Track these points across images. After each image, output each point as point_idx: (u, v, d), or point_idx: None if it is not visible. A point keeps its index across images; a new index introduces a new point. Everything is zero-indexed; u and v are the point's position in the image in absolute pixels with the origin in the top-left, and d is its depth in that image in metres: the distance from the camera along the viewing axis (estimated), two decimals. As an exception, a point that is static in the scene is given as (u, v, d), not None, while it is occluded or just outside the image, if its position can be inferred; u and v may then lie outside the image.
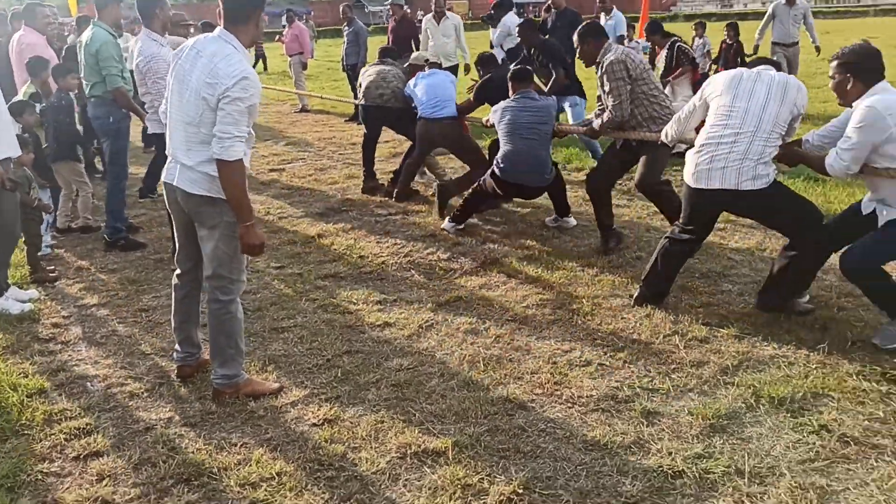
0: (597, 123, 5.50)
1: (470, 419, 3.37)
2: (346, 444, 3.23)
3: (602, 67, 5.25)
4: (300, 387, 3.73)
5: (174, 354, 3.85)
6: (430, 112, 6.91)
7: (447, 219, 6.31)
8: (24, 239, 5.35)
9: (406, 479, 2.98)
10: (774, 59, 9.45)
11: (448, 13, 10.37)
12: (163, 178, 3.55)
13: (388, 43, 10.65)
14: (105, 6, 5.80)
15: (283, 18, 14.53)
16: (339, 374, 3.84)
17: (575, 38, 5.51)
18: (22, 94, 6.24)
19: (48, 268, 5.41)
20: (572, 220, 6.21)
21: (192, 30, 7.49)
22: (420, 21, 11.90)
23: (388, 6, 13.13)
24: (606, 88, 5.26)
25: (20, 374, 3.90)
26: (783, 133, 4.13)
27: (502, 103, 6.07)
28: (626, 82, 5.16)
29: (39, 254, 5.46)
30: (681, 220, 4.46)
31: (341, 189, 7.79)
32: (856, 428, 3.17)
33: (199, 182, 3.35)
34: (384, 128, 7.75)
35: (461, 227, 6.21)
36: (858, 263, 3.84)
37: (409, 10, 13.13)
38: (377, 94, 7.38)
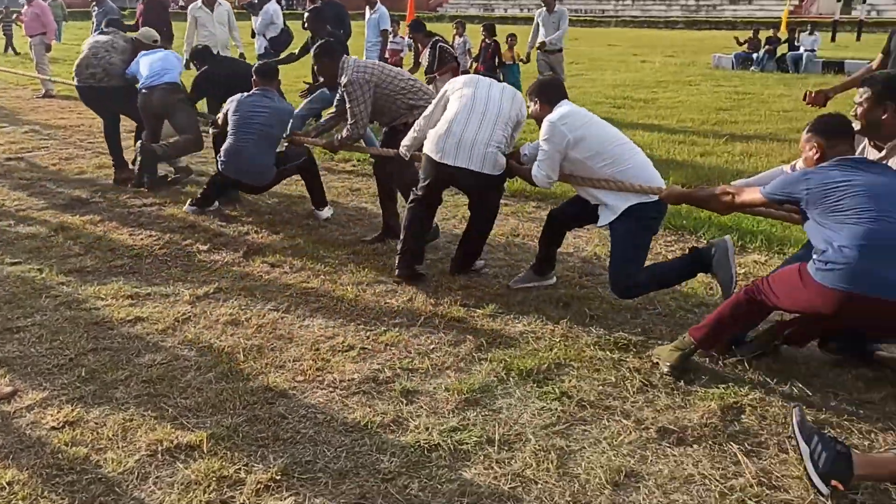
0: (337, 138, 5.66)
1: (227, 411, 3.27)
2: (90, 445, 3.00)
3: (341, 87, 5.34)
4: (38, 389, 3.42)
5: None
6: (150, 81, 6.66)
7: (189, 201, 6.19)
8: None
9: (157, 477, 2.83)
10: (539, 64, 10.67)
11: (220, 0, 9.79)
12: None
13: (136, 25, 10.04)
14: None
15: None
16: (84, 374, 3.56)
17: (312, 57, 5.60)
18: None
19: None
20: (325, 213, 6.15)
21: None
22: (181, 7, 11.30)
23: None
24: (347, 107, 5.34)
25: None
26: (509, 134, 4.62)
27: (239, 95, 5.96)
28: (363, 101, 5.26)
29: None
30: (420, 188, 4.79)
31: (90, 180, 7.23)
32: (591, 393, 3.47)
33: None
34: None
35: (202, 210, 6.10)
36: (623, 284, 4.14)
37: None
38: (87, 73, 6.89)
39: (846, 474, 2.69)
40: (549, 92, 4.37)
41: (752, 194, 3.52)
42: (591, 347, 3.90)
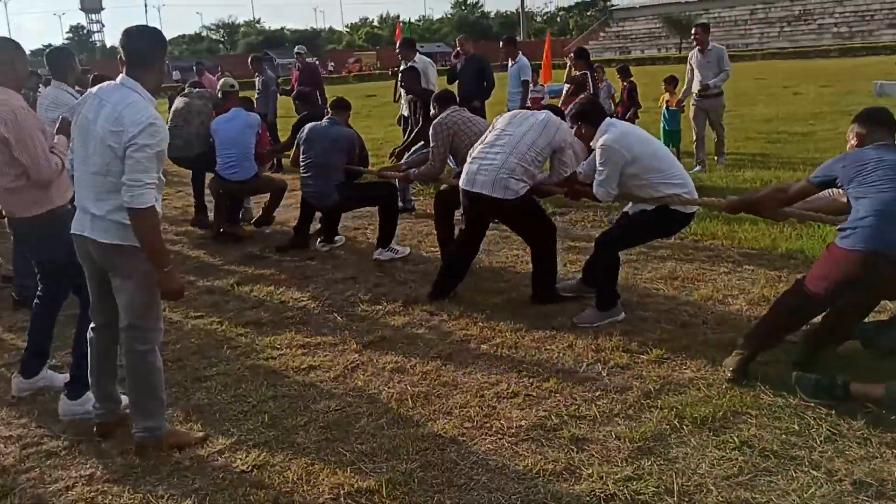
0: (413, 171, 6.61)
1: (402, 456, 3.36)
2: (278, 489, 3.16)
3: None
4: (226, 435, 3.64)
5: (93, 410, 3.70)
6: (224, 173, 7.46)
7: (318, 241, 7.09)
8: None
9: (341, 520, 2.94)
10: (693, 112, 9.82)
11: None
12: (73, 230, 3.43)
13: (292, 89, 10.82)
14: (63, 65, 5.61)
15: (194, 70, 14.40)
16: (266, 420, 3.77)
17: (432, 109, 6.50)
18: None
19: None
20: (383, 255, 6.57)
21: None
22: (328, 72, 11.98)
23: (295, 56, 13.23)
24: (430, 146, 6.11)
25: (-76, 440, 3.68)
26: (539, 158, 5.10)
27: (309, 125, 6.91)
28: (442, 143, 5.94)
29: None
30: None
31: (260, 238, 7.71)
32: (774, 442, 3.30)
33: (111, 231, 3.27)
34: None
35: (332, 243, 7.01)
36: (601, 246, 4.85)
37: (315, 61, 13.22)
38: (172, 146, 7.44)
39: None
40: (590, 114, 4.82)
41: (800, 184, 3.88)
42: (769, 394, 3.72)
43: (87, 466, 3.41)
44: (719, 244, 6.43)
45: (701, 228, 6.69)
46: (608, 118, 4.84)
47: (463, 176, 5.20)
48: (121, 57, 3.33)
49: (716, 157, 10.04)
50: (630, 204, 4.96)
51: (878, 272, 3.45)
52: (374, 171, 7.30)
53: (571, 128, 5.02)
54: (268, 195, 7.90)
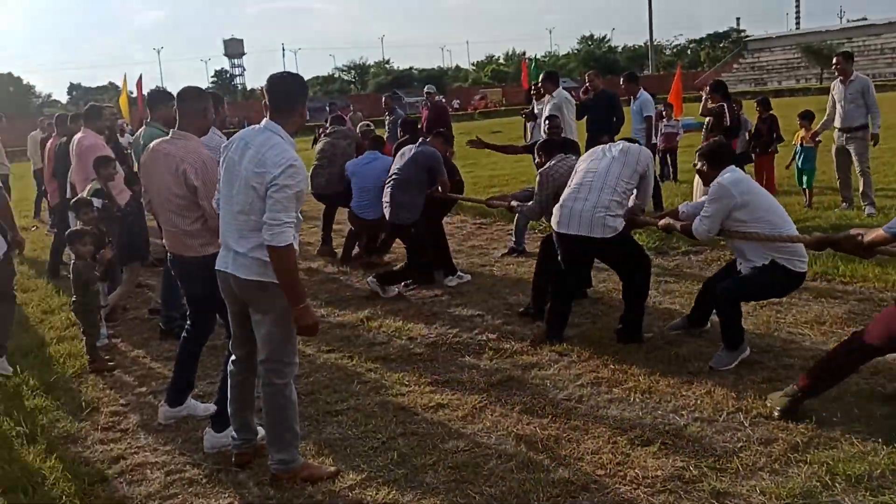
0: (517, 204, 6.67)
1: (532, 501, 3.28)
2: (407, 529, 3.15)
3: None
4: (357, 470, 3.68)
5: (231, 441, 3.83)
6: (361, 213, 7.80)
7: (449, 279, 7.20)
8: (82, 329, 5.48)
9: (471, 566, 2.89)
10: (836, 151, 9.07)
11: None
12: (217, 266, 3.61)
13: (422, 128, 11.06)
14: (158, 106, 6.06)
15: (327, 110, 14.97)
16: (396, 457, 3.78)
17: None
18: (87, 191, 6.45)
19: (105, 357, 5.49)
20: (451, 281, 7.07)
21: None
22: (454, 109, 12.20)
23: (424, 95, 13.52)
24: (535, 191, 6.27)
25: (81, 462, 3.91)
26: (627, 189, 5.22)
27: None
28: (546, 191, 6.00)
29: (98, 344, 5.56)
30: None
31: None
32: (941, 506, 3.01)
33: (252, 268, 3.40)
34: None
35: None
36: (722, 294, 4.70)
37: (442, 99, 13.50)
38: (314, 182, 8.38)
39: None
40: (718, 157, 4.83)
41: (875, 232, 3.71)
42: (933, 452, 3.41)
43: (226, 495, 3.53)
44: (870, 287, 6.01)
45: (850, 270, 6.28)
46: (733, 165, 4.80)
47: (557, 220, 5.28)
48: (265, 102, 3.49)
49: (863, 204, 8.95)
50: (740, 262, 4.84)
51: None
52: (482, 201, 7.75)
53: (694, 165, 5.05)
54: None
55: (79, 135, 7.22)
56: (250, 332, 3.58)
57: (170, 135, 4.23)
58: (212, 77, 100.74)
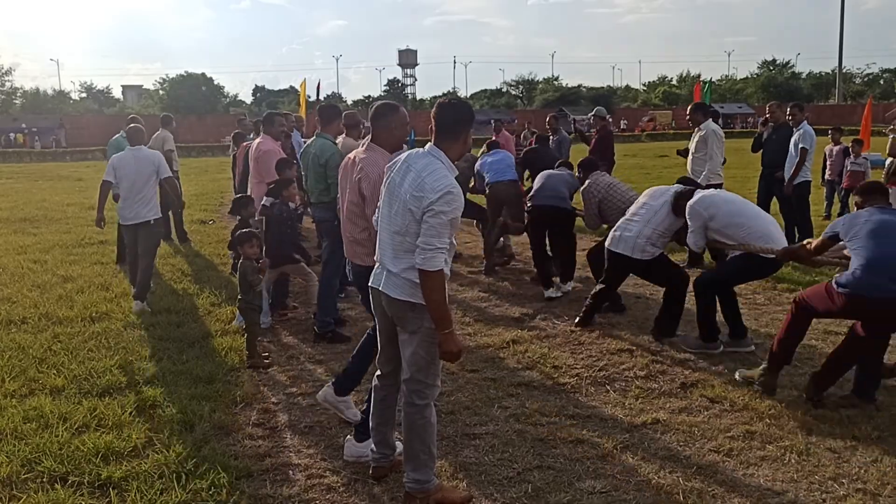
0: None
1: (667, 558, 3.14)
2: (535, 568, 3.10)
3: None
4: (489, 498, 3.67)
5: (370, 454, 3.93)
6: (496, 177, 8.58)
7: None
8: (244, 325, 5.81)
9: None
10: None
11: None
12: (371, 283, 3.71)
13: (589, 152, 10.96)
14: (331, 120, 6.37)
15: (492, 125, 15.10)
16: (530, 490, 3.74)
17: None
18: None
19: (263, 354, 5.79)
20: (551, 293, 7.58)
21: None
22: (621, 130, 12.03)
23: (591, 117, 13.32)
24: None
25: (231, 455, 4.14)
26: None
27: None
28: (592, 205, 7.30)
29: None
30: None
31: (536, 296, 7.80)
32: None
33: (403, 288, 3.47)
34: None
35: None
36: (703, 282, 5.90)
37: (609, 118, 13.29)
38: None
39: None
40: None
41: (819, 240, 5.08)
42: None
43: (361, 507, 3.62)
44: None
45: None
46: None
47: (609, 239, 6.34)
48: (431, 126, 3.57)
49: None
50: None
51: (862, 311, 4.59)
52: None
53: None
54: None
55: (258, 140, 7.72)
56: (397, 350, 3.66)
57: (363, 146, 4.49)
58: (384, 85, 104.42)
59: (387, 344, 3.76)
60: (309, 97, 18.96)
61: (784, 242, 5.66)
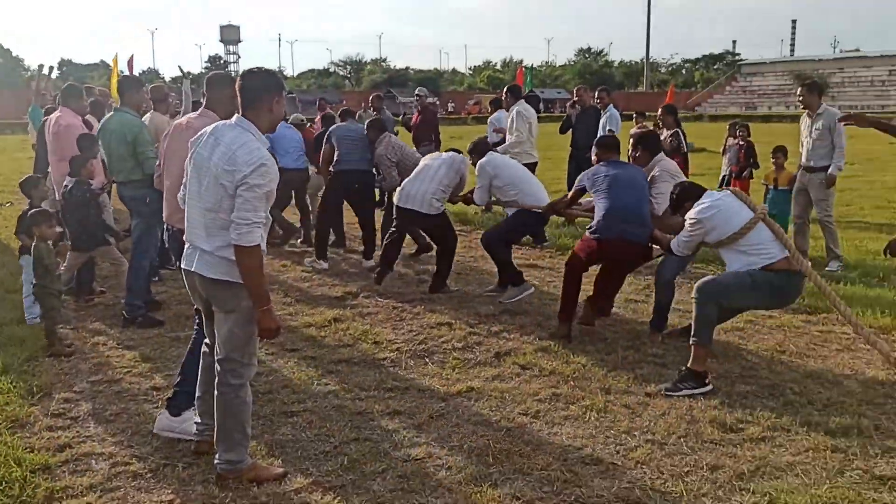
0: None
1: (476, 515, 3.29)
2: (348, 536, 3.15)
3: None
4: (305, 474, 3.67)
5: (195, 427, 3.81)
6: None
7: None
8: (42, 312, 5.43)
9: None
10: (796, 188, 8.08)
11: None
12: (182, 265, 3.59)
13: (411, 131, 11.26)
14: (130, 93, 6.04)
15: (317, 104, 14.94)
16: (346, 462, 3.78)
17: None
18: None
19: (65, 342, 5.44)
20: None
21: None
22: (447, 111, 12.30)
23: (415, 98, 13.50)
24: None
25: (26, 448, 3.88)
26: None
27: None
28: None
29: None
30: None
31: (361, 274, 7.84)
32: (876, 543, 3.05)
33: (217, 266, 3.39)
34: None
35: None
36: (487, 240, 6.85)
37: (436, 101, 13.53)
38: None
39: None
40: (479, 149, 7.00)
41: (570, 192, 6.32)
42: (876, 489, 3.45)
43: (169, 492, 3.50)
44: (834, 318, 6.06)
45: (814, 302, 6.33)
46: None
47: (397, 197, 7.10)
48: (237, 97, 3.48)
49: (827, 263, 7.82)
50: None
51: (609, 251, 5.56)
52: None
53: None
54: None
55: (56, 114, 7.16)
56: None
57: (198, 112, 4.39)
58: (205, 62, 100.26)
59: (209, 320, 3.64)
60: (122, 72, 17.90)
61: (547, 202, 6.69)
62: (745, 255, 4.72)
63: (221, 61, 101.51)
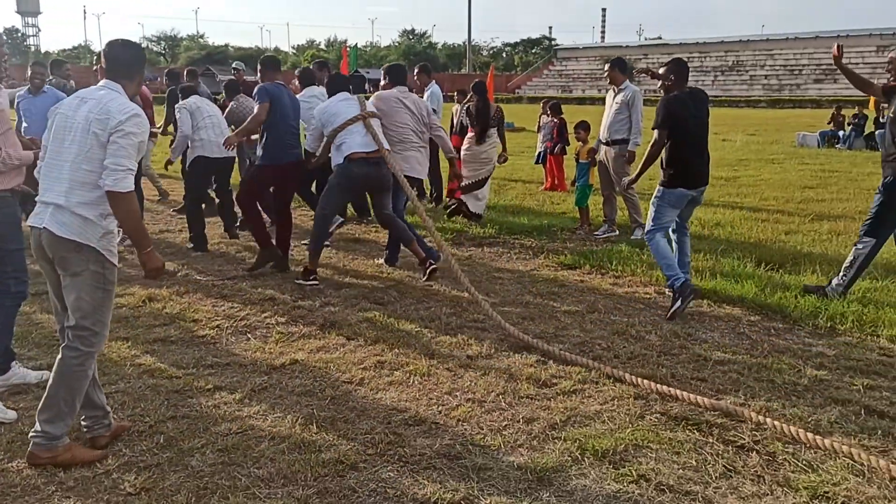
0: None
1: (299, 482, 3.27)
2: (164, 513, 3.03)
3: None
4: (116, 455, 3.49)
5: (82, 426, 3.58)
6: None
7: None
8: None
9: (227, 547, 2.83)
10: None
11: None
12: (29, 222, 3.41)
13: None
14: None
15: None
16: (162, 441, 3.63)
17: None
18: None
19: None
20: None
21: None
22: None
23: (232, 72, 12.99)
24: None
25: None
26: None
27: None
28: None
29: None
30: None
31: (179, 252, 7.52)
32: (671, 476, 3.33)
33: (70, 225, 3.27)
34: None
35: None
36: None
37: (256, 80, 13.05)
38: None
39: None
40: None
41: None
42: (671, 429, 3.77)
43: (-37, 483, 3.22)
44: (639, 280, 6.53)
45: (621, 267, 6.77)
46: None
47: None
48: (101, 65, 3.54)
49: (632, 229, 8.32)
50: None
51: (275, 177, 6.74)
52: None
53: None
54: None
55: None
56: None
57: None
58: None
59: (57, 292, 3.47)
60: None
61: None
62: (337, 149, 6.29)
63: (20, 34, 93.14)
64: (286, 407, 4.04)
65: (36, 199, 3.42)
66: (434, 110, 9.83)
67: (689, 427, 3.78)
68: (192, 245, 7.63)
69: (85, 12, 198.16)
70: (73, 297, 3.34)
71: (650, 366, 4.62)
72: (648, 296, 6.14)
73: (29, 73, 7.39)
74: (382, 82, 7.14)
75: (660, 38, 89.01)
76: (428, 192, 10.61)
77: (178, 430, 3.74)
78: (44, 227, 3.30)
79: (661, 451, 3.55)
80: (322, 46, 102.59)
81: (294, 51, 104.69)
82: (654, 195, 5.83)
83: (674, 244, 5.95)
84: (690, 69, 6.17)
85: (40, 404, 3.38)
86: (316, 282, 6.35)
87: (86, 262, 3.31)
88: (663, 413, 3.96)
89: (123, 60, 3.49)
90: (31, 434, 3.37)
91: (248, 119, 6.80)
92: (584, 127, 8.93)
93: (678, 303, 5.49)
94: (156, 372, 4.49)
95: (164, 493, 3.18)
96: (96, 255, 3.32)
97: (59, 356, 3.37)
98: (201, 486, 3.23)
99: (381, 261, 7.11)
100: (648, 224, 5.84)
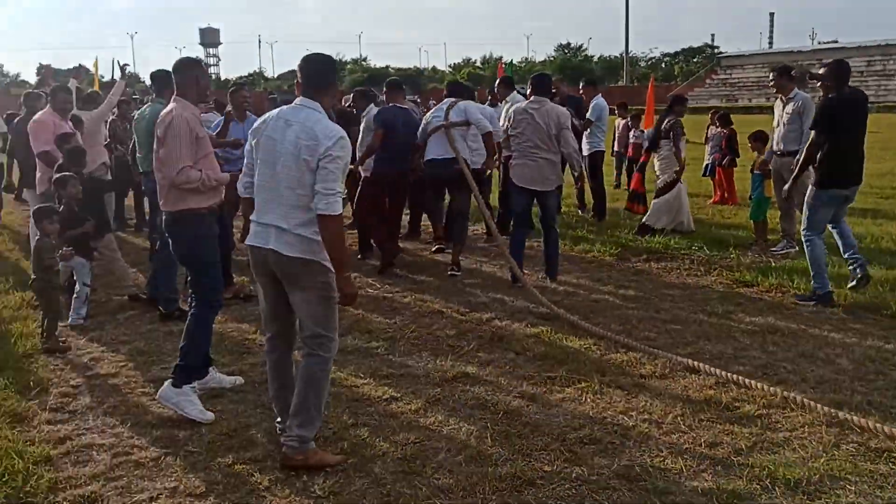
0: None
1: (478, 494, 3.31)
2: (352, 517, 3.16)
3: None
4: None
5: (277, 428, 3.83)
6: None
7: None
8: (42, 309, 5.39)
9: (413, 555, 2.90)
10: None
11: None
12: (249, 243, 3.64)
13: None
14: (165, 86, 6.02)
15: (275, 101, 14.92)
16: (346, 447, 3.78)
17: None
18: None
19: (60, 338, 5.39)
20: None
21: None
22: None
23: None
24: None
25: (26, 441, 3.85)
26: None
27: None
28: None
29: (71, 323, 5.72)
30: None
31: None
32: (873, 511, 3.10)
33: (296, 245, 3.46)
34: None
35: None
36: None
37: (417, 98, 13.34)
38: None
39: None
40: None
41: None
42: (872, 460, 3.50)
43: (172, 479, 3.50)
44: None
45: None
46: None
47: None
48: (298, 80, 3.63)
49: (780, 240, 7.99)
50: None
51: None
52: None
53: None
54: None
55: (40, 112, 7.20)
56: (284, 309, 3.63)
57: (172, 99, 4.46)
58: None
59: (274, 305, 3.69)
60: (102, 77, 17.98)
61: None
62: None
63: (203, 64, 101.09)
64: (461, 419, 4.10)
65: (251, 218, 3.65)
66: (590, 120, 9.77)
67: (892, 459, 3.50)
68: (360, 256, 7.99)
69: (260, 41, 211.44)
70: (306, 309, 3.53)
71: (843, 392, 4.32)
72: (836, 316, 5.75)
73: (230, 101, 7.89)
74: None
75: (835, 41, 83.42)
76: (589, 206, 10.49)
77: (360, 438, 3.89)
78: (270, 249, 3.49)
79: (862, 484, 3.30)
80: (478, 64, 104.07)
81: (451, 69, 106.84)
82: (806, 198, 5.92)
83: (835, 236, 6.15)
84: (870, 73, 5.97)
85: (291, 410, 3.59)
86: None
87: (314, 275, 3.48)
88: (861, 444, 3.69)
89: (319, 74, 3.57)
90: (283, 438, 3.61)
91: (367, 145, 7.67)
92: (758, 137, 8.46)
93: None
94: (336, 381, 4.68)
95: (351, 498, 3.31)
96: (321, 267, 3.48)
97: (303, 364, 3.57)
98: (384, 493, 3.34)
99: (543, 275, 7.11)
100: (804, 225, 5.97)
